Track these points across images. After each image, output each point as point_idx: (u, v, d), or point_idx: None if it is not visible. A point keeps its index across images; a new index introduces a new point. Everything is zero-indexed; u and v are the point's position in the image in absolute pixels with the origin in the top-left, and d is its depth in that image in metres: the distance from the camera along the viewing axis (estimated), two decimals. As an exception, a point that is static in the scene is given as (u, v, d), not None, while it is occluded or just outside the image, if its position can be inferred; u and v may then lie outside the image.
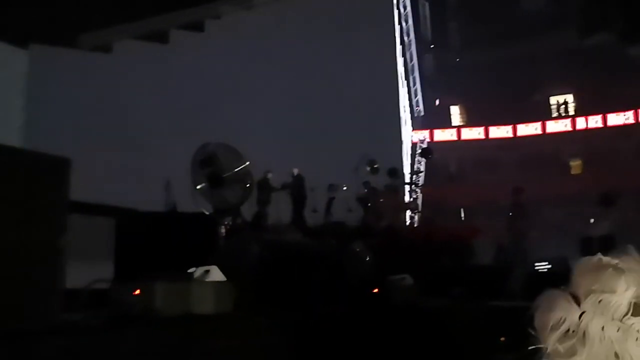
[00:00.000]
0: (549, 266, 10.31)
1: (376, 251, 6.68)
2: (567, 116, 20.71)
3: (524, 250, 11.32)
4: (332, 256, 6.00)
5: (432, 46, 20.83)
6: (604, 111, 19.72)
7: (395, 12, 19.64)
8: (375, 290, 4.86)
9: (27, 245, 2.58)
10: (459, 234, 9.58)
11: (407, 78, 20.03)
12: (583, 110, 20.23)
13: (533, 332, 0.73)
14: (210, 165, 5.81)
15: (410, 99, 20.28)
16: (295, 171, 12.30)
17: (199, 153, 5.93)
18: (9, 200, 2.56)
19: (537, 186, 15.16)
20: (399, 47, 19.66)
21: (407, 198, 12.40)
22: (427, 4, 20.98)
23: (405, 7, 20.23)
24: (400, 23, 19.85)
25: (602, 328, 0.67)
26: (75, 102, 13.42)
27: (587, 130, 19.88)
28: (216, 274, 3.66)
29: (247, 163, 6.08)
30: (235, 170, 5.97)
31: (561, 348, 0.68)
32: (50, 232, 2.71)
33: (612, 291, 0.69)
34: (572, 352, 0.67)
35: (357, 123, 16.02)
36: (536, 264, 10.67)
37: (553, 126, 20.84)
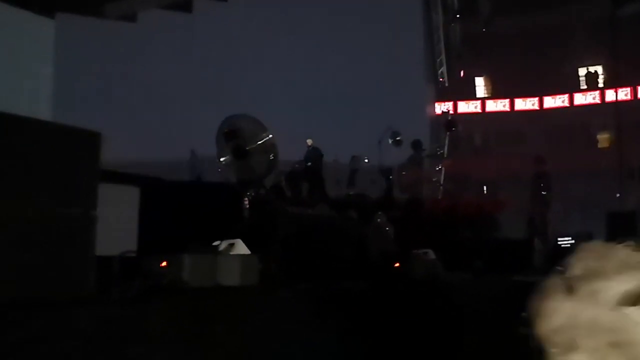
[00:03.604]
0: (573, 241, 10.26)
1: (398, 224, 6.70)
2: (596, 88, 20.24)
3: (547, 223, 11.24)
4: (354, 229, 6.04)
5: (457, 16, 20.41)
6: (634, 83, 19.23)
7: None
8: (397, 265, 4.89)
9: (60, 217, 2.65)
10: (482, 207, 9.54)
11: (432, 48, 19.73)
12: (613, 82, 19.75)
13: (525, 316, 0.72)
14: (235, 137, 5.85)
15: (434, 70, 19.99)
16: (310, 142, 12.25)
17: (224, 125, 5.96)
18: (43, 173, 2.63)
19: (563, 160, 14.96)
20: (424, 17, 19.33)
21: (430, 171, 12.35)
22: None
23: (431, -25, 19.82)
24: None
25: (595, 318, 0.65)
26: (101, 72, 13.53)
27: (616, 103, 19.43)
28: (241, 247, 3.72)
29: (271, 135, 6.10)
30: (260, 142, 5.99)
31: (555, 338, 0.67)
32: (82, 204, 2.77)
33: (608, 279, 0.67)
34: (568, 344, 0.66)
35: (381, 94, 15.89)
36: (559, 239, 10.61)
37: (581, 98, 20.40)
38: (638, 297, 0.65)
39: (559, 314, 0.68)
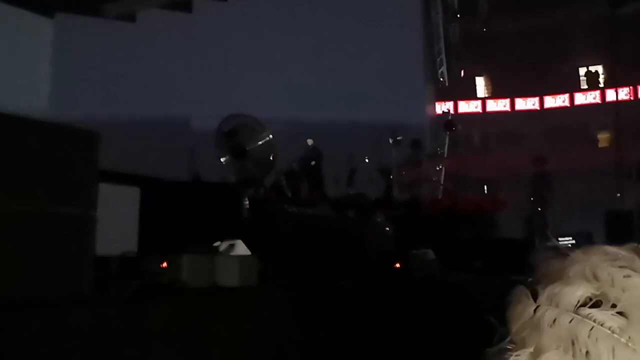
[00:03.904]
0: (573, 241, 10.26)
1: (398, 224, 6.70)
2: (596, 88, 20.24)
3: (547, 222, 11.24)
4: (353, 229, 6.04)
5: (458, 15, 20.40)
6: (634, 83, 19.23)
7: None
8: (397, 265, 4.89)
9: (59, 217, 2.65)
10: (481, 207, 9.54)
11: (432, 48, 19.72)
12: (613, 81, 19.75)
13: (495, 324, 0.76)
14: (234, 137, 5.85)
15: (434, 70, 19.98)
16: (310, 142, 12.24)
17: (223, 125, 5.96)
18: (42, 173, 2.63)
19: (563, 159, 14.96)
20: (424, 16, 19.31)
21: (429, 170, 12.34)
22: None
23: (431, -25, 19.80)
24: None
25: (554, 320, 0.67)
26: (100, 71, 13.53)
27: (616, 103, 19.43)
28: (241, 248, 3.72)
29: (271, 135, 6.10)
30: (259, 142, 6.00)
31: (516, 340, 0.70)
32: (82, 204, 2.77)
33: (568, 283, 0.69)
34: (524, 343, 0.69)
35: (380, 93, 15.89)
36: (559, 239, 10.61)
37: (581, 98, 20.40)
38: (596, 302, 0.68)
39: (523, 319, 0.71)
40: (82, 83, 13.16)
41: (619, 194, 15.17)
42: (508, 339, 0.71)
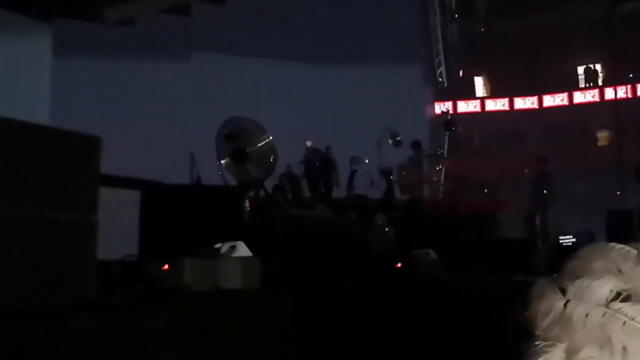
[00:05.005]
0: (574, 240, 10.26)
1: (399, 225, 6.69)
2: (595, 86, 20.24)
3: (548, 222, 11.23)
4: (355, 230, 6.03)
5: (456, 16, 20.42)
6: (633, 81, 19.24)
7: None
8: (398, 265, 4.88)
9: (60, 222, 2.65)
10: (483, 207, 9.53)
11: (430, 49, 19.74)
12: (612, 80, 19.76)
13: (524, 322, 0.74)
14: (234, 140, 5.84)
15: (433, 70, 20.00)
16: (309, 143, 12.23)
17: (223, 128, 5.95)
18: (42, 178, 2.62)
19: (562, 158, 14.95)
20: (422, 17, 19.34)
21: (430, 171, 12.34)
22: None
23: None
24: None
25: (587, 315, 0.66)
26: (99, 75, 13.53)
27: (615, 101, 19.44)
28: (243, 250, 3.72)
29: (271, 137, 6.09)
30: (259, 144, 5.99)
31: (547, 336, 0.69)
32: (83, 208, 2.77)
33: (596, 278, 0.69)
34: (556, 339, 0.68)
35: (380, 94, 15.90)
36: (561, 238, 10.61)
37: (580, 97, 20.41)
38: (626, 296, 0.67)
39: (553, 314, 0.70)
40: (82, 88, 13.16)
41: (618, 192, 15.17)
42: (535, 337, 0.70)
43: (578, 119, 19.64)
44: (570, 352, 0.67)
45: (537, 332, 0.71)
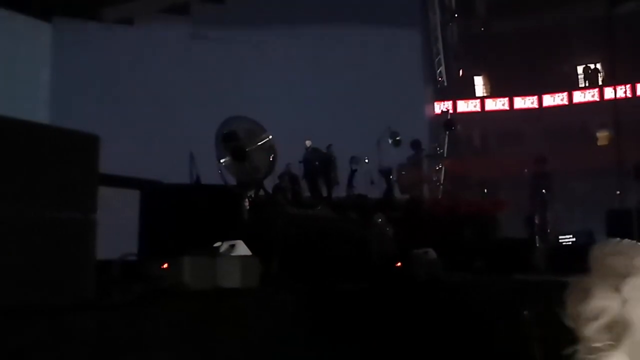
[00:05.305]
0: (574, 239, 10.26)
1: (399, 224, 6.69)
2: (594, 86, 20.24)
3: (547, 222, 11.22)
4: (354, 230, 6.03)
5: (456, 15, 20.42)
6: (633, 81, 19.24)
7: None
8: (398, 265, 4.88)
9: (60, 221, 2.64)
10: (482, 207, 9.52)
11: (430, 48, 19.73)
12: (611, 80, 19.76)
13: (568, 322, 0.70)
14: (234, 139, 5.85)
15: (433, 70, 20.00)
16: (309, 143, 12.22)
17: (223, 127, 5.96)
18: (42, 177, 2.62)
19: (562, 158, 14.94)
20: (422, 17, 19.34)
21: (429, 171, 12.34)
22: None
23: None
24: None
25: None
26: (98, 75, 13.53)
27: (615, 101, 19.44)
28: (242, 249, 3.72)
29: (271, 137, 6.10)
30: (259, 144, 6.00)
31: (602, 339, 0.65)
32: (82, 207, 2.76)
33: None
34: (615, 342, 0.64)
35: (380, 94, 15.89)
36: (560, 237, 10.60)
37: (580, 96, 20.41)
38: None
39: (608, 315, 0.66)
40: (81, 87, 13.16)
41: (618, 192, 15.17)
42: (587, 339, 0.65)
43: (578, 118, 19.63)
44: (633, 358, 0.63)
45: (585, 335, 0.67)
